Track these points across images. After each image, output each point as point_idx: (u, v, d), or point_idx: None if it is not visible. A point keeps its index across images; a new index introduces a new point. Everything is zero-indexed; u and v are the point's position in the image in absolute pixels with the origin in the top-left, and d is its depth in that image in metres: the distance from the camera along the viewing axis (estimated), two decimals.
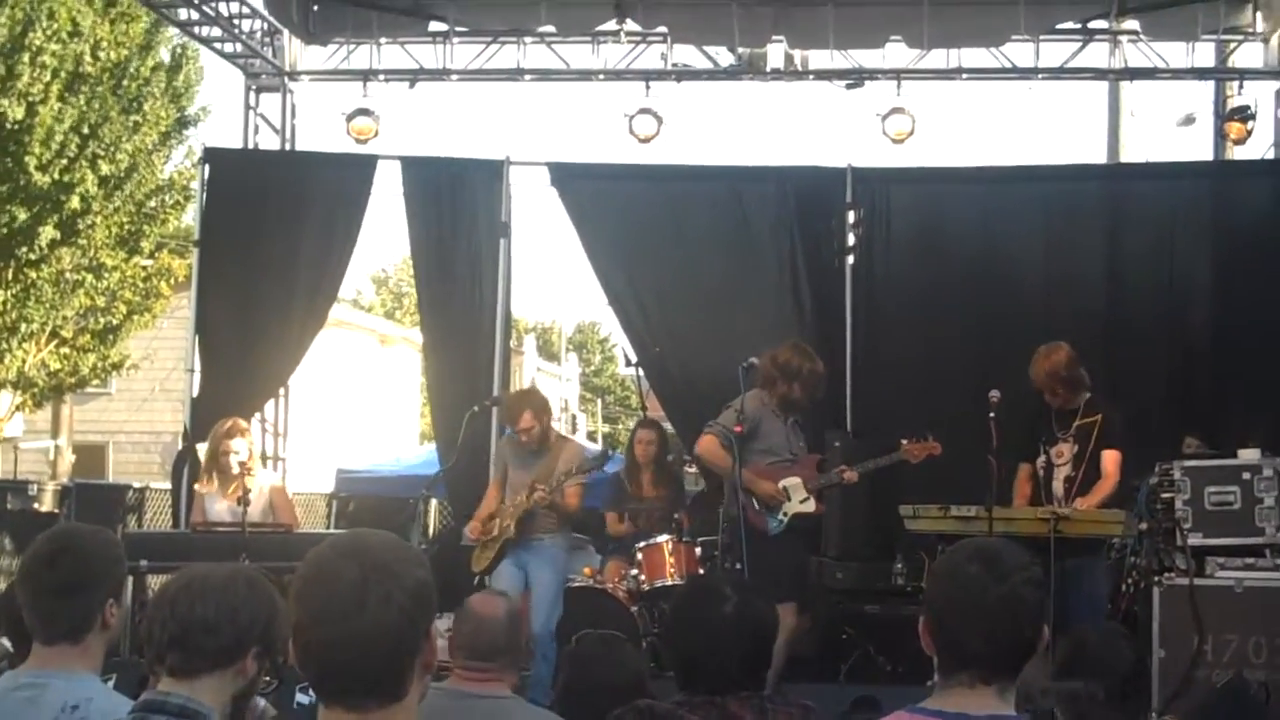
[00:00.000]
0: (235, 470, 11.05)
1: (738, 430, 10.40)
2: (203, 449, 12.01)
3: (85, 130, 23.21)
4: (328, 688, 2.93)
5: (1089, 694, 5.26)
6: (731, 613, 4.64)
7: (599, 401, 66.20)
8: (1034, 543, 8.44)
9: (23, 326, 24.10)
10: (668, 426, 13.72)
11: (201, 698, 3.78)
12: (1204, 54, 14.70)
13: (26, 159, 22.37)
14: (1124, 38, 14.56)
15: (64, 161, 22.84)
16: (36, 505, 15.57)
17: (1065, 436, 10.21)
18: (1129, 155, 19.42)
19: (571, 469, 10.87)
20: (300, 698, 7.57)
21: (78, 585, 4.27)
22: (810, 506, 10.66)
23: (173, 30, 23.94)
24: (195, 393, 14.30)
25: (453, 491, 14.08)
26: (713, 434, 10.71)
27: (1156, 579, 9.72)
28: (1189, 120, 20.14)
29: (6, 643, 5.88)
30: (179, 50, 25.80)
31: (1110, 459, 10.04)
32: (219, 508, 11.08)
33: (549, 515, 11.04)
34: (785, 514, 10.52)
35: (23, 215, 22.64)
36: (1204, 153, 16.50)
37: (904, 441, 10.72)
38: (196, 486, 11.64)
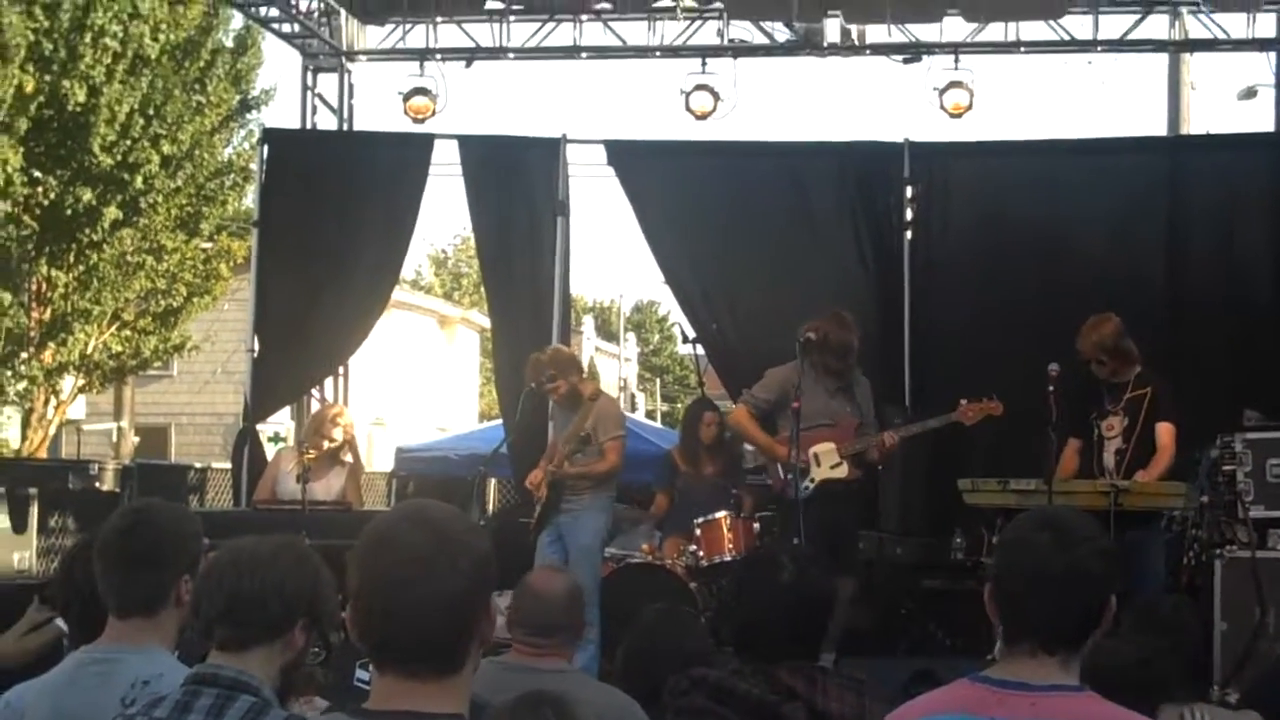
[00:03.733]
0: (334, 444, 11.48)
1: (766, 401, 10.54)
2: (262, 430, 12.15)
3: (151, 111, 23.35)
4: (388, 655, 2.94)
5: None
6: (787, 582, 4.65)
7: (658, 381, 66.21)
8: (1093, 516, 8.39)
9: (95, 309, 24.29)
10: (721, 404, 13.67)
11: (251, 669, 3.81)
12: (1265, 24, 14.56)
13: (91, 140, 22.51)
14: (1184, 8, 14.44)
15: (128, 142, 22.98)
16: (98, 485, 15.68)
17: (1115, 410, 10.03)
18: (1190, 129, 19.27)
19: (597, 433, 10.98)
20: (360, 674, 7.59)
21: (153, 558, 4.30)
22: (842, 472, 10.65)
23: (233, 11, 24.13)
24: (254, 373, 14.38)
25: (515, 469, 14.09)
26: (744, 404, 10.89)
27: (1218, 552, 9.68)
28: (1250, 93, 19.99)
29: (62, 623, 5.92)
30: (244, 33, 26.02)
31: (1165, 431, 9.87)
32: (290, 487, 11.21)
33: (580, 478, 11.14)
34: (813, 479, 10.48)
35: (87, 196, 22.79)
36: (1265, 126, 16.37)
37: (963, 401, 10.68)
38: (280, 452, 11.84)
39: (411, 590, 2.87)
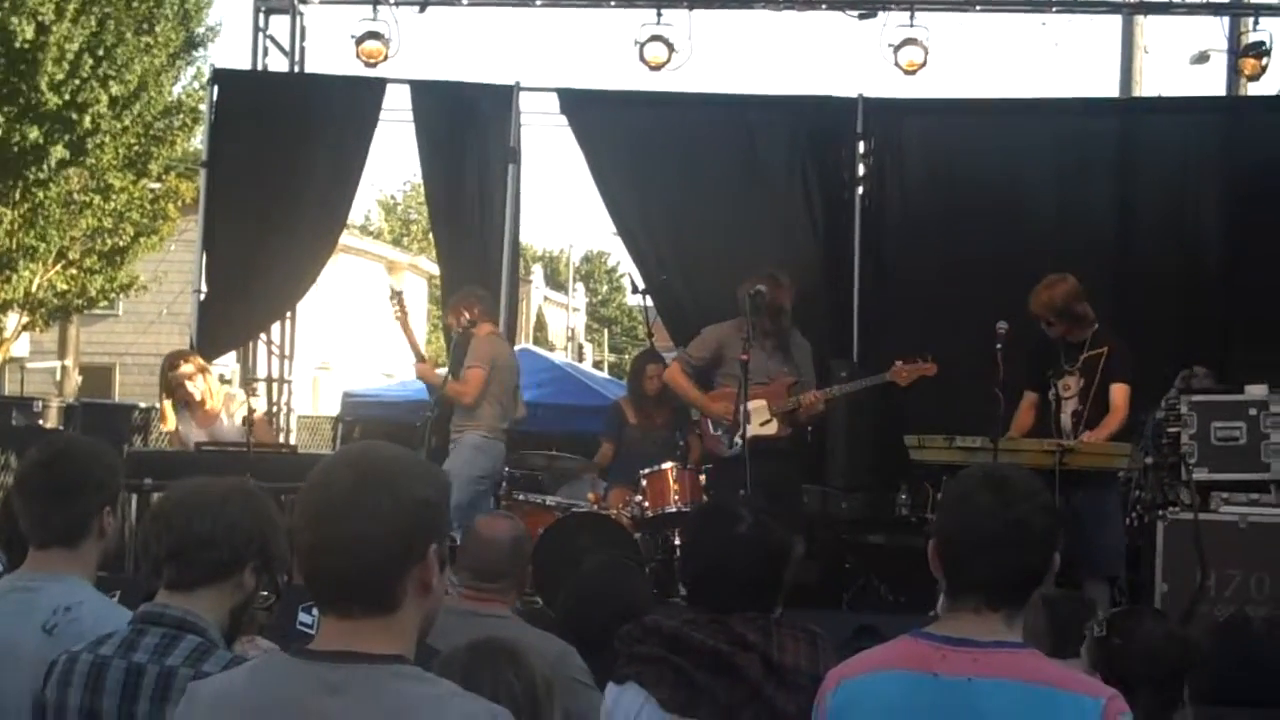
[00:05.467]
0: (198, 397, 11.10)
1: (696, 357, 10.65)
2: None
3: (101, 52, 23.11)
4: (319, 592, 2.98)
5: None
6: (744, 533, 4.66)
7: (606, 331, 66.21)
8: (1039, 475, 8.43)
9: (41, 247, 24.06)
10: (669, 355, 13.68)
11: (200, 610, 3.82)
12: None
13: (39, 78, 22.26)
14: None
15: (76, 81, 22.75)
16: (42, 422, 15.58)
17: (1072, 369, 10.06)
18: (1142, 92, 19.34)
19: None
20: (303, 617, 7.58)
21: (73, 489, 4.34)
22: (772, 429, 10.75)
23: None
24: (200, 315, 14.28)
25: None
26: (677, 360, 10.94)
27: (1161, 513, 9.75)
28: (1203, 57, 20.04)
29: None
30: None
31: (1119, 392, 9.91)
32: (195, 434, 11.08)
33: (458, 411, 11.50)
34: (743, 435, 10.50)
35: (33, 134, 22.56)
36: (1218, 90, 16.41)
37: (898, 362, 10.73)
38: (164, 426, 11.61)
39: (335, 527, 2.89)
